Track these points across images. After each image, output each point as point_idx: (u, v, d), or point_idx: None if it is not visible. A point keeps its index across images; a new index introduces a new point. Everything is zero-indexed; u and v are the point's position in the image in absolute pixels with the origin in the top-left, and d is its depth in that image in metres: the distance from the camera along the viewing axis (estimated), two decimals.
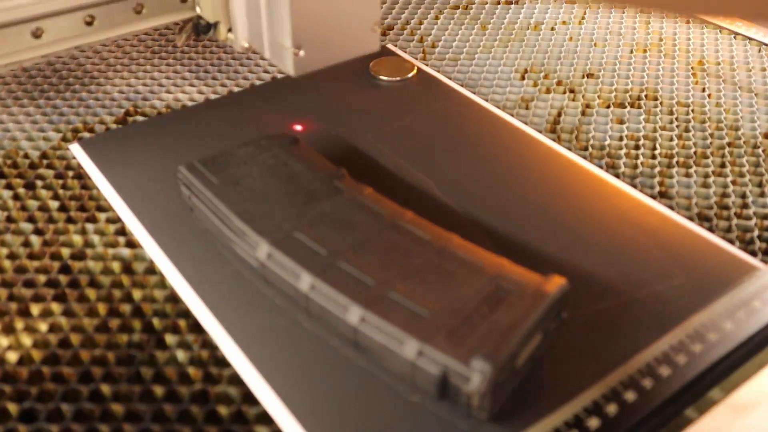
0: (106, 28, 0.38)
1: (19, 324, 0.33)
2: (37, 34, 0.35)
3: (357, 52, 0.39)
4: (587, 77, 0.52)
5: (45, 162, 0.43)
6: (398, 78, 0.50)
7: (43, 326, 0.33)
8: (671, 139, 0.45)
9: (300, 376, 0.30)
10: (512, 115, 0.47)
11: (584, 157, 0.43)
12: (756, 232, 0.39)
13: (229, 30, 0.40)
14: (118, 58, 0.52)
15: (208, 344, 0.32)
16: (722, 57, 0.54)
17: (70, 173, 0.42)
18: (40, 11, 0.35)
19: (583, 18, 0.60)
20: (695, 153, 0.44)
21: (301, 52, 0.36)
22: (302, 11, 0.35)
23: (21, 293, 0.34)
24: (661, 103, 0.49)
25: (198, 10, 0.42)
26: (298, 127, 0.43)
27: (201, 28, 0.41)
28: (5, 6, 0.35)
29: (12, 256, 0.36)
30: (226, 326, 0.32)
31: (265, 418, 0.29)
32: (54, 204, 0.39)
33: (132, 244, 0.37)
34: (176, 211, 0.38)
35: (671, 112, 0.48)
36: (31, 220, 0.39)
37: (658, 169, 0.43)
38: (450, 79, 0.51)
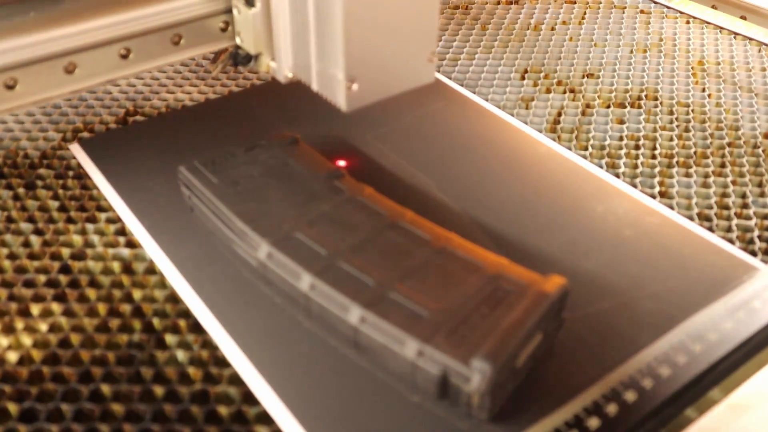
0: (142, 60, 0.37)
1: (19, 324, 0.33)
2: (69, 69, 0.35)
3: (412, 84, 0.36)
4: (587, 77, 0.52)
5: (45, 162, 0.43)
6: None
7: (43, 326, 0.33)
8: (671, 139, 0.45)
9: (300, 376, 0.30)
10: (512, 115, 0.47)
11: (584, 157, 0.43)
12: (756, 232, 0.38)
13: (273, 59, 0.38)
14: None
15: (208, 344, 0.32)
16: (722, 57, 0.54)
17: (70, 173, 0.42)
18: (73, 45, 0.35)
19: (583, 18, 0.60)
20: (695, 153, 0.44)
21: (355, 86, 0.33)
22: (357, 40, 0.32)
23: (21, 293, 0.34)
24: (661, 103, 0.49)
25: (238, 40, 0.39)
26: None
27: (240, 59, 0.39)
28: (37, 40, 0.34)
29: (12, 256, 0.36)
30: (226, 326, 0.32)
31: (265, 418, 0.29)
32: (54, 204, 0.39)
33: (132, 244, 0.37)
34: (176, 211, 0.38)
35: (671, 112, 0.48)
36: (31, 220, 0.39)
37: (658, 169, 0.43)
38: (450, 79, 0.51)
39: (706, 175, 0.43)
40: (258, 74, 0.49)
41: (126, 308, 0.34)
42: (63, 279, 0.35)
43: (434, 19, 0.34)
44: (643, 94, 0.50)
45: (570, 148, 0.44)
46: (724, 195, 0.41)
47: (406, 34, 0.33)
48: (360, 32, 0.32)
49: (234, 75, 0.50)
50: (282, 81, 0.37)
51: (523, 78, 0.51)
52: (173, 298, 0.34)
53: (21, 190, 0.40)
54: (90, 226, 0.38)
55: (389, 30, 0.33)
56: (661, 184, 0.42)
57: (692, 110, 0.48)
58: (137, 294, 0.34)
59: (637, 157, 0.44)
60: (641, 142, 0.45)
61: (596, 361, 0.31)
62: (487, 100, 0.49)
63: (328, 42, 0.33)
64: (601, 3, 0.62)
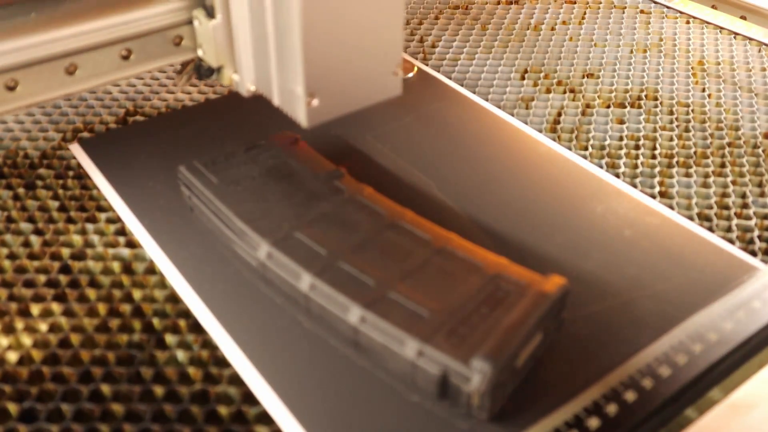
0: (144, 61, 0.37)
1: (19, 324, 0.33)
2: (70, 71, 0.35)
3: (376, 99, 0.34)
4: (587, 77, 0.52)
5: (45, 162, 0.43)
6: None
7: (43, 326, 0.33)
8: (671, 139, 0.45)
9: (300, 376, 0.30)
10: (512, 115, 0.47)
11: (584, 157, 0.43)
12: (756, 232, 0.38)
13: (235, 71, 0.37)
14: None
15: (208, 344, 0.32)
16: (722, 57, 0.54)
17: (70, 173, 0.42)
18: (74, 46, 0.35)
19: (583, 18, 0.60)
20: (695, 153, 0.44)
21: (315, 101, 0.32)
22: (316, 54, 0.31)
23: (21, 293, 0.34)
24: (661, 103, 0.49)
25: (200, 52, 0.38)
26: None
27: (203, 72, 0.38)
28: (38, 41, 0.34)
29: (12, 256, 0.36)
30: (226, 326, 0.32)
31: (265, 418, 0.29)
32: (54, 204, 0.39)
33: (132, 244, 0.37)
34: (176, 211, 0.38)
35: (671, 112, 0.48)
36: (31, 220, 0.39)
37: (658, 169, 0.43)
38: (450, 79, 0.51)
39: (706, 175, 0.43)
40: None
41: (126, 308, 0.34)
42: (63, 279, 0.35)
43: (398, 32, 0.33)
44: (643, 94, 0.50)
45: (570, 148, 0.44)
46: (724, 195, 0.41)
47: (369, 47, 0.32)
48: (320, 46, 0.31)
49: None
50: (244, 95, 0.36)
51: (523, 78, 0.51)
52: (173, 298, 0.34)
53: (21, 190, 0.40)
54: (90, 226, 0.38)
55: (351, 43, 0.32)
56: (661, 184, 0.42)
57: (692, 110, 0.48)
58: (137, 294, 0.34)
59: (637, 157, 0.44)
60: (641, 142, 0.45)
61: (596, 361, 0.31)
62: (487, 100, 0.49)
63: (288, 56, 0.32)
64: (601, 3, 0.62)
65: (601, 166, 0.43)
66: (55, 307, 0.34)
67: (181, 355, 0.32)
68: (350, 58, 0.32)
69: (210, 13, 0.35)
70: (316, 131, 0.45)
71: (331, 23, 0.30)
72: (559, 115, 0.48)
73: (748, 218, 0.39)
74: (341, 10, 0.30)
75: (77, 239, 0.37)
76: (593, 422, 0.29)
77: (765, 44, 0.56)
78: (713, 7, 0.61)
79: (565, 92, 0.50)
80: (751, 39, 0.56)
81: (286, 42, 0.31)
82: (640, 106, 0.48)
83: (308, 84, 0.31)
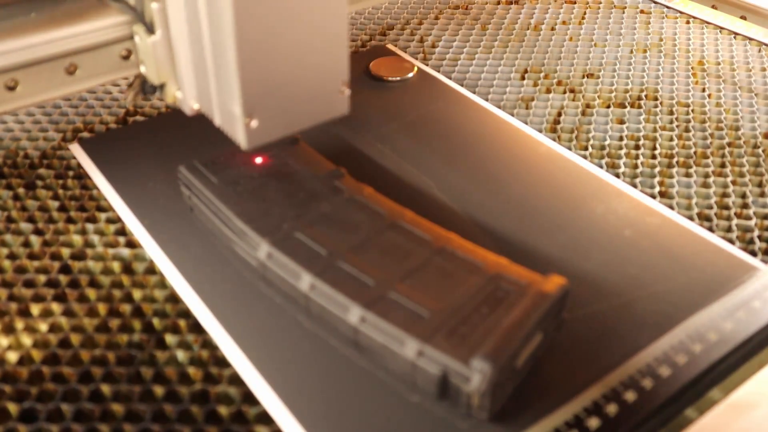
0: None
1: (19, 324, 0.33)
2: (70, 71, 0.35)
3: (321, 118, 0.33)
4: (587, 77, 0.52)
5: (45, 162, 0.43)
6: (398, 78, 0.50)
7: (43, 326, 0.33)
8: (671, 139, 0.45)
9: (300, 376, 0.30)
10: (512, 115, 0.47)
11: (584, 157, 0.43)
12: (756, 232, 0.38)
13: (179, 89, 0.35)
14: None
15: (208, 344, 0.32)
16: (722, 57, 0.54)
17: (70, 173, 0.42)
18: (75, 46, 0.34)
19: (583, 18, 0.60)
20: (695, 153, 0.44)
21: (254, 122, 0.30)
22: (254, 74, 0.29)
23: (21, 293, 0.34)
24: (661, 103, 0.49)
25: (142, 69, 0.36)
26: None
27: (147, 89, 0.36)
28: (38, 41, 0.34)
29: (12, 256, 0.36)
30: (226, 326, 0.32)
31: (265, 418, 0.29)
32: (54, 204, 0.39)
33: (132, 244, 0.37)
34: (176, 211, 0.38)
35: (671, 112, 0.48)
36: (31, 220, 0.39)
37: (658, 169, 0.43)
38: (450, 79, 0.51)
39: (706, 175, 0.43)
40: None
41: (126, 308, 0.34)
42: (63, 279, 0.35)
43: (342, 50, 0.32)
44: (643, 94, 0.50)
45: (570, 148, 0.44)
46: (724, 195, 0.41)
47: (311, 66, 0.31)
48: (257, 65, 0.29)
49: None
50: (188, 113, 0.35)
51: (523, 78, 0.51)
52: (173, 298, 0.34)
53: (21, 190, 0.40)
54: (90, 226, 0.38)
55: (291, 62, 0.30)
56: (661, 184, 0.42)
57: (692, 110, 0.48)
58: (137, 294, 0.34)
59: (637, 157, 0.44)
60: (641, 142, 0.45)
61: (596, 361, 0.31)
62: (487, 100, 0.49)
63: (224, 75, 0.30)
64: (601, 3, 0.62)
65: (601, 166, 0.43)
66: (55, 307, 0.34)
67: (181, 355, 0.32)
68: (291, 77, 0.31)
69: (150, 29, 0.34)
70: (316, 131, 0.45)
71: (269, 42, 0.29)
72: (559, 115, 0.48)
73: (748, 218, 0.39)
74: (279, 28, 0.29)
75: (77, 239, 0.37)
76: (593, 422, 0.29)
77: (765, 44, 0.56)
78: (713, 7, 0.61)
79: (565, 92, 0.50)
80: (751, 39, 0.56)
81: (222, 61, 0.30)
82: (640, 106, 0.48)
83: (246, 104, 0.30)
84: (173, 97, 0.36)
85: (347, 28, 0.31)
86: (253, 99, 0.30)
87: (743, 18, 0.59)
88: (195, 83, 0.34)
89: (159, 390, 0.30)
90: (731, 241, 0.38)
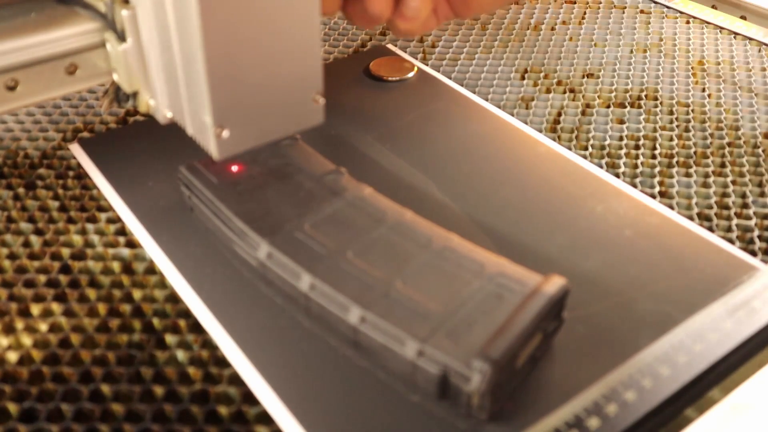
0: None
1: (19, 324, 0.33)
2: (70, 71, 0.35)
3: (295, 128, 0.32)
4: (587, 77, 0.52)
5: (45, 162, 0.43)
6: (398, 78, 0.50)
7: (43, 326, 0.33)
8: (671, 139, 0.45)
9: (300, 376, 0.30)
10: (512, 115, 0.47)
11: (584, 157, 0.43)
12: (756, 232, 0.38)
13: (152, 97, 0.34)
14: None
15: (208, 344, 0.32)
16: (722, 57, 0.54)
17: (71, 173, 0.42)
18: (75, 46, 0.34)
19: (583, 18, 0.60)
20: (695, 153, 0.44)
21: (225, 132, 0.30)
22: (224, 83, 0.28)
23: (21, 293, 0.34)
24: (661, 103, 0.49)
25: (115, 77, 0.35)
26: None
27: (121, 97, 0.36)
28: (38, 41, 0.34)
29: (12, 256, 0.36)
30: (226, 326, 0.32)
31: (265, 418, 0.29)
32: (54, 204, 0.39)
33: (132, 244, 0.37)
34: (176, 211, 0.38)
35: (671, 112, 0.48)
36: (31, 220, 0.39)
37: (658, 169, 0.43)
38: (450, 79, 0.51)
39: (706, 175, 0.43)
40: None
41: (126, 308, 0.34)
42: (63, 279, 0.35)
43: (316, 58, 0.31)
44: (643, 94, 0.50)
45: (570, 148, 0.44)
46: (724, 195, 0.41)
47: (284, 75, 0.30)
48: (228, 74, 0.29)
49: None
50: (162, 122, 0.35)
51: (523, 78, 0.52)
52: (173, 298, 0.34)
53: (21, 190, 0.41)
54: (90, 226, 0.38)
55: (263, 71, 0.30)
56: (661, 184, 0.42)
57: (692, 110, 0.48)
58: (137, 294, 0.34)
59: (637, 157, 0.44)
60: (641, 142, 0.45)
61: (596, 361, 0.31)
62: (487, 100, 0.49)
63: (195, 84, 0.30)
64: (601, 3, 0.62)
65: (601, 166, 0.43)
66: (55, 307, 0.34)
67: (181, 355, 0.32)
68: (263, 87, 0.30)
69: (121, 37, 0.34)
70: (316, 131, 0.45)
71: (239, 51, 0.29)
72: (559, 115, 0.48)
73: (748, 218, 0.39)
74: (250, 37, 0.29)
75: (77, 239, 0.37)
76: (593, 422, 0.29)
77: (765, 44, 0.56)
78: (713, 7, 0.61)
79: (565, 92, 0.50)
80: (751, 39, 0.56)
81: (191, 69, 0.30)
82: (640, 106, 0.48)
83: (216, 115, 0.29)
84: (146, 105, 0.35)
85: (320, 37, 0.31)
86: (224, 109, 0.30)
87: (743, 18, 0.59)
88: (167, 92, 0.33)
89: (159, 390, 0.30)
90: (731, 241, 0.38)
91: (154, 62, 0.33)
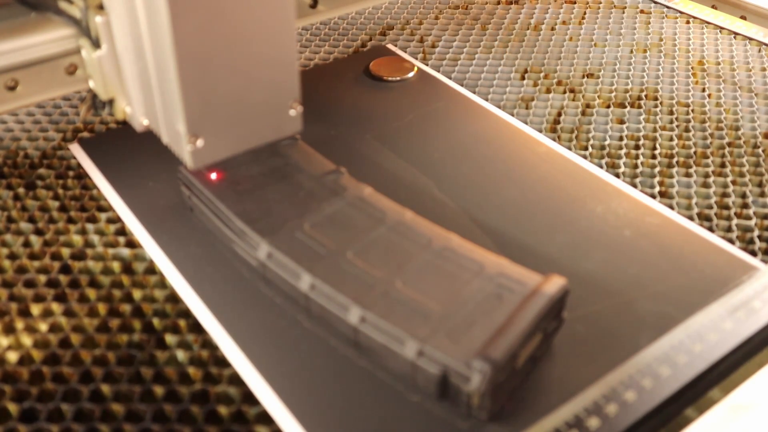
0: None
1: (20, 324, 0.33)
2: (70, 71, 0.34)
3: (271, 137, 0.32)
4: (587, 77, 0.52)
5: (45, 162, 0.43)
6: (398, 78, 0.50)
7: (43, 326, 0.33)
8: (671, 139, 0.45)
9: (300, 376, 0.30)
10: (512, 115, 0.47)
11: (584, 157, 0.43)
12: (756, 232, 0.38)
13: (128, 104, 0.34)
14: None
15: (208, 344, 0.32)
16: (722, 57, 0.54)
17: (71, 173, 0.42)
18: (75, 46, 0.34)
19: (583, 18, 0.60)
20: (695, 153, 0.44)
21: (199, 142, 0.29)
22: (197, 92, 0.28)
23: (21, 293, 0.34)
24: (661, 103, 0.49)
25: (91, 84, 0.35)
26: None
27: (97, 104, 0.35)
28: (38, 41, 0.34)
29: (12, 256, 0.36)
30: (226, 326, 0.32)
31: (265, 418, 0.29)
32: (54, 204, 0.39)
33: (132, 244, 0.37)
34: (176, 211, 0.38)
35: (671, 112, 0.48)
36: (31, 220, 0.39)
37: (658, 169, 0.43)
38: (450, 79, 0.51)
39: (706, 175, 0.43)
40: None
41: (126, 308, 0.34)
42: (63, 279, 0.35)
43: (292, 67, 0.31)
44: (643, 94, 0.50)
45: (570, 148, 0.44)
46: (724, 195, 0.41)
47: (260, 84, 0.30)
48: (201, 83, 0.28)
49: None
50: (138, 129, 0.34)
51: (523, 78, 0.52)
52: (173, 298, 0.34)
53: (21, 190, 0.41)
54: (90, 226, 0.38)
55: (238, 80, 0.29)
56: (661, 184, 0.42)
57: (692, 110, 0.48)
58: (137, 294, 0.34)
59: (637, 157, 0.44)
60: (641, 142, 0.45)
61: (596, 361, 0.31)
62: (487, 100, 0.49)
63: (168, 93, 0.29)
64: (601, 3, 0.62)
65: (601, 166, 0.43)
66: (56, 307, 0.34)
67: (181, 355, 0.32)
68: (238, 95, 0.30)
69: (95, 43, 0.33)
70: (317, 131, 0.45)
71: (213, 59, 0.28)
72: (559, 115, 0.48)
73: (748, 218, 0.39)
74: (224, 45, 0.28)
75: (77, 239, 0.37)
76: (593, 422, 0.29)
77: (765, 44, 0.56)
78: (713, 7, 0.61)
79: (565, 92, 0.50)
80: (751, 39, 0.56)
81: (165, 78, 0.29)
82: (640, 106, 0.48)
83: (190, 123, 0.29)
84: (123, 112, 0.35)
85: (296, 45, 0.30)
86: (198, 118, 0.29)
87: (743, 18, 0.59)
88: (142, 99, 0.33)
89: (159, 390, 0.30)
90: (731, 241, 0.38)
91: (129, 69, 0.33)
